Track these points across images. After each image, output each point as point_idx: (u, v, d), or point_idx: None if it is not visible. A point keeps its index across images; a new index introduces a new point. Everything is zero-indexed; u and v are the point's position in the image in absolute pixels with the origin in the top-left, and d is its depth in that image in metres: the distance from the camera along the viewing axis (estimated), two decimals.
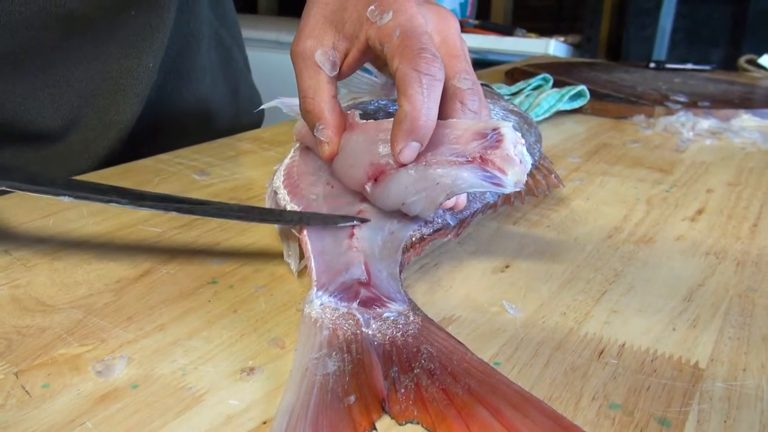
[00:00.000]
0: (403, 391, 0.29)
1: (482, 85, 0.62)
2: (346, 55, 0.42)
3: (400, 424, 0.27)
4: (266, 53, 2.07)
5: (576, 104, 0.85)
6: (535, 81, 0.87)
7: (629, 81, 0.99)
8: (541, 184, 0.49)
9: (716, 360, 0.33)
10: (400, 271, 0.38)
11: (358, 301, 0.34)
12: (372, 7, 0.40)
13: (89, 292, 0.38)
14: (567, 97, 0.83)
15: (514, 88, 0.86)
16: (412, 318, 0.33)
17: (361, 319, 0.32)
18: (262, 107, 0.58)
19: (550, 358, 0.33)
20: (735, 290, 0.40)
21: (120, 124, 0.65)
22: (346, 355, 0.30)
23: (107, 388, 0.30)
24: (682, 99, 0.86)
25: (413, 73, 0.36)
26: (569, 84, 0.87)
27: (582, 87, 0.84)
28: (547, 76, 0.88)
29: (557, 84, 0.89)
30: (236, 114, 0.82)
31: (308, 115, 0.42)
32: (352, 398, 0.28)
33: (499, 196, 0.46)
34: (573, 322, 0.36)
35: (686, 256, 0.45)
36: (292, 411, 0.27)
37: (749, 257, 0.45)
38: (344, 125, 0.41)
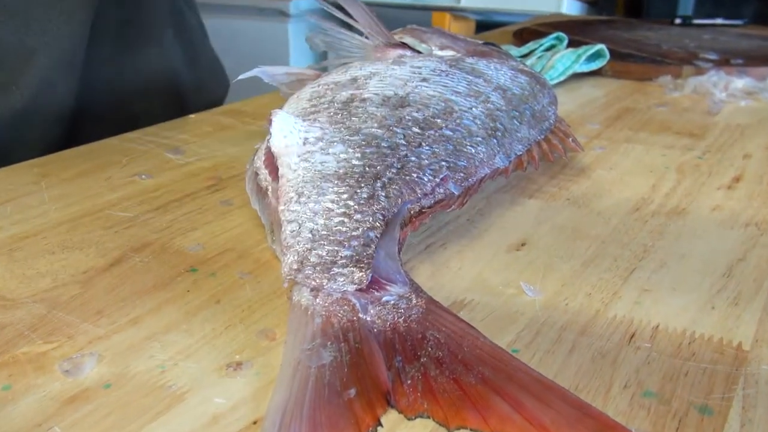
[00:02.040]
0: (409, 382, 0.28)
1: (489, 44, 0.62)
2: None
3: (409, 419, 0.27)
4: (221, 19, 2.05)
5: (594, 66, 0.84)
6: (547, 41, 0.86)
7: (653, 39, 0.98)
8: (558, 148, 0.49)
9: (761, 340, 0.33)
10: (399, 250, 0.37)
11: None
12: None
13: (53, 285, 0.37)
14: (584, 57, 0.82)
15: (524, 50, 0.86)
16: (414, 301, 0.33)
17: (358, 305, 0.32)
18: (240, 77, 0.57)
19: (574, 344, 0.32)
20: None
21: (51, 107, 0.63)
22: (342, 344, 0.30)
23: (76, 388, 0.29)
24: (712, 57, 0.86)
25: None
26: (586, 44, 0.86)
27: (601, 46, 0.84)
28: (561, 35, 0.87)
29: (572, 44, 0.88)
30: (198, 86, 0.81)
31: None
32: (353, 392, 0.27)
33: (510, 162, 0.46)
34: (599, 304, 0.36)
35: (724, 228, 0.44)
36: (285, 408, 0.27)
37: None
38: None
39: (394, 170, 0.40)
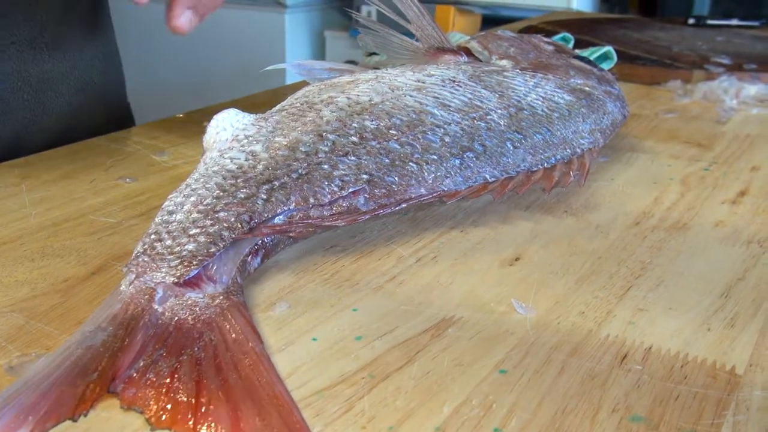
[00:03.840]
0: (151, 376, 0.31)
1: (584, 59, 0.63)
2: None
3: (121, 408, 0.30)
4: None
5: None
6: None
7: (664, 40, 0.99)
8: (550, 179, 0.48)
9: (756, 365, 0.34)
10: (253, 252, 0.40)
11: None
12: None
13: (32, 294, 0.38)
14: (591, 59, 0.83)
15: None
16: (218, 302, 0.35)
17: (159, 296, 0.35)
18: (268, 68, 0.58)
19: (564, 365, 0.33)
20: None
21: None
22: (120, 331, 0.33)
23: None
24: (724, 61, 0.87)
25: None
26: (593, 44, 0.87)
27: (608, 48, 0.84)
28: (568, 35, 0.88)
29: (579, 45, 0.89)
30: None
31: None
32: (95, 375, 0.30)
33: (468, 186, 0.46)
34: (592, 323, 0.37)
35: (726, 245, 0.45)
36: (32, 378, 0.30)
37: None
38: None
39: (294, 176, 0.42)
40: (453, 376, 0.32)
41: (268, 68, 0.57)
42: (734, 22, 1.14)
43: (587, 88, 0.57)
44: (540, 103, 0.53)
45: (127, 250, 0.43)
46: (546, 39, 0.67)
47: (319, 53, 1.84)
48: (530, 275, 0.41)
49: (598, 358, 0.34)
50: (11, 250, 0.43)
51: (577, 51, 0.84)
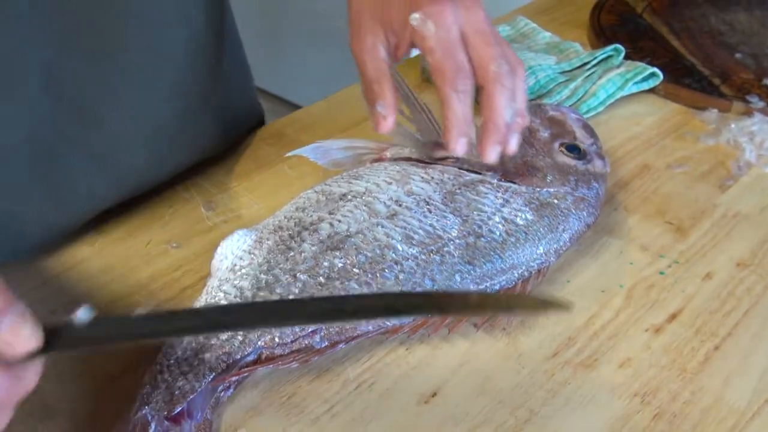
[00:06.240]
0: None
1: (551, 122, 0.71)
2: (395, 48, 0.62)
3: None
4: None
5: (645, 85, 0.89)
6: (602, 53, 0.90)
7: (738, 34, 0.98)
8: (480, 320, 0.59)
9: None
10: (225, 388, 0.53)
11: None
12: (415, 15, 0.58)
13: (79, 393, 0.55)
14: (633, 81, 0.87)
15: (576, 62, 0.90)
16: None
17: (151, 429, 0.49)
18: (290, 153, 0.69)
19: None
20: None
21: None
22: None
23: None
24: None
25: (453, 93, 0.57)
26: (657, 37, 0.89)
27: (654, 69, 0.88)
28: (619, 47, 0.90)
29: (635, 51, 0.92)
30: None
31: (371, 94, 0.61)
32: None
33: (410, 321, 0.57)
34: None
35: (613, 396, 0.56)
36: None
37: (674, 405, 0.55)
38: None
39: None
40: None
41: (289, 153, 0.68)
42: None
43: (556, 200, 0.64)
44: (500, 227, 0.62)
45: (149, 348, 0.58)
46: (553, 110, 0.73)
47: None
48: (433, 419, 0.54)
49: None
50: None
51: (622, 68, 0.88)
